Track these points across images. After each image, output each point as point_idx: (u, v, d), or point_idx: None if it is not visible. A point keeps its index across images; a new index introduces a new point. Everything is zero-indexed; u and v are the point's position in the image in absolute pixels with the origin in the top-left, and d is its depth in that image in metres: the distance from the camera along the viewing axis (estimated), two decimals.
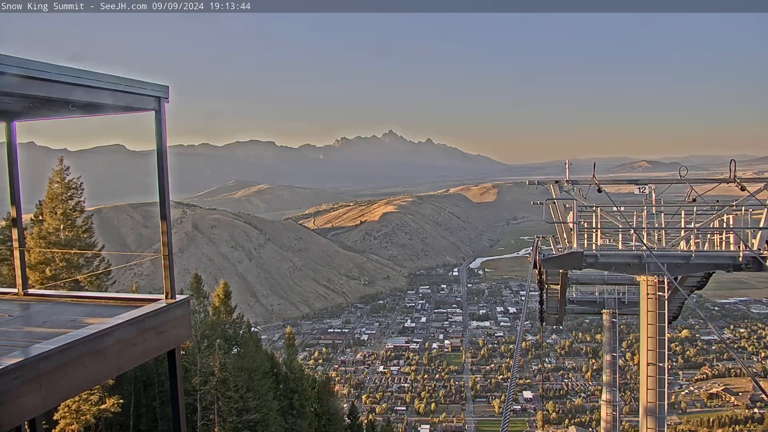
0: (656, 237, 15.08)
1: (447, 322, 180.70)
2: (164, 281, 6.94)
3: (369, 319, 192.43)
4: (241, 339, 25.64)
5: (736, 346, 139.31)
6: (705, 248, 14.65)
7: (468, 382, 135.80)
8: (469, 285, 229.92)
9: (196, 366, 21.47)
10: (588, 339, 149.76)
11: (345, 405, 46.64)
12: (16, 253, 7.87)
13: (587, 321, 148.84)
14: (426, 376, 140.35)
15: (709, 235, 14.92)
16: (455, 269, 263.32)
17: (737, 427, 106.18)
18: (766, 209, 13.18)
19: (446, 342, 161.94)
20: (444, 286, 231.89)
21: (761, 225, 13.30)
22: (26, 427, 6.58)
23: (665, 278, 13.91)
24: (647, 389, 14.24)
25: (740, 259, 13.29)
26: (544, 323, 23.11)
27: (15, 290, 7.80)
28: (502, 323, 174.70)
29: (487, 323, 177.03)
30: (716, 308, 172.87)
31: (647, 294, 14.32)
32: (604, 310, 21.68)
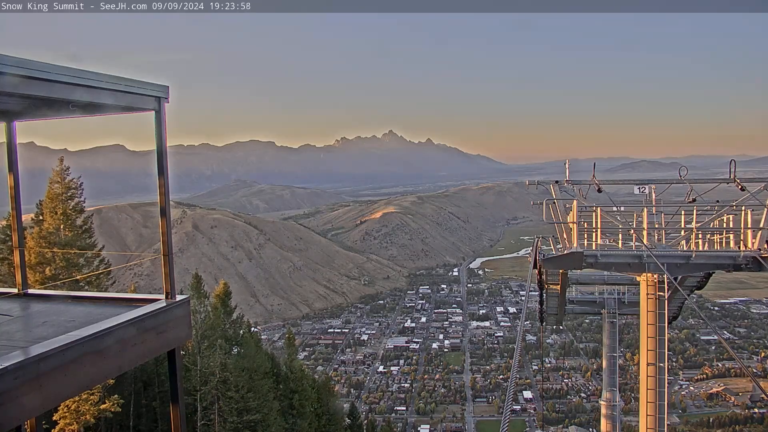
0: (656, 237, 15.07)
1: (447, 322, 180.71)
2: (164, 281, 6.93)
3: (369, 319, 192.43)
4: (242, 339, 25.68)
5: (736, 346, 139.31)
6: (705, 248, 14.65)
7: (468, 382, 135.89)
8: (469, 285, 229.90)
9: (197, 366, 21.47)
10: (588, 339, 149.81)
11: (345, 405, 46.64)
12: (16, 253, 7.87)
13: (587, 321, 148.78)
14: (426, 376, 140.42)
15: (709, 235, 14.92)
16: (455, 269, 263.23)
17: (737, 427, 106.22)
18: (766, 209, 13.18)
19: (446, 342, 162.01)
20: (444, 286, 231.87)
21: (761, 225, 13.30)
22: (26, 427, 6.58)
23: (665, 278, 13.91)
24: (647, 389, 14.24)
25: (740, 259, 13.29)
26: (544, 323, 23.11)
27: (15, 290, 7.79)
28: (502, 323, 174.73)
29: (487, 323, 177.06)
30: (716, 308, 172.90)
31: (647, 294, 14.32)
32: (604, 310, 21.71)
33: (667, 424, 14.52)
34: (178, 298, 7.02)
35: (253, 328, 45.37)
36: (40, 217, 19.87)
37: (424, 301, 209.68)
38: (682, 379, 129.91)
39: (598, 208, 14.55)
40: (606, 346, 22.27)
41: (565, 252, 14.18)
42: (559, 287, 18.78)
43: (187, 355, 21.46)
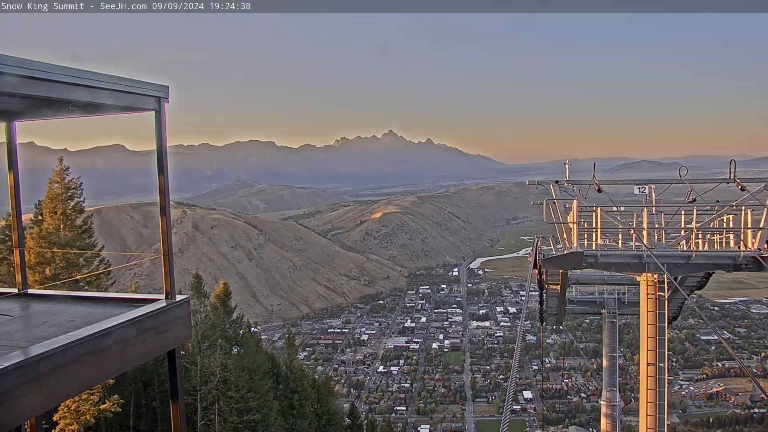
0: (656, 237, 15.07)
1: (447, 322, 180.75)
2: (164, 281, 6.93)
3: (369, 319, 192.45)
4: (242, 339, 25.67)
5: (736, 346, 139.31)
6: (705, 248, 14.64)
7: (468, 382, 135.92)
8: (469, 285, 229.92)
9: (197, 366, 21.46)
10: (588, 339, 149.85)
11: (345, 405, 46.65)
12: (16, 253, 7.86)
13: (587, 321, 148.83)
14: (426, 376, 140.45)
15: (709, 235, 14.92)
16: (455, 269, 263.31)
17: (737, 427, 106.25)
18: (766, 209, 13.18)
19: (446, 342, 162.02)
20: (444, 286, 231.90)
21: (761, 225, 13.29)
22: (26, 427, 6.58)
23: (665, 278, 13.91)
24: (647, 389, 14.24)
25: (740, 259, 13.29)
26: (544, 323, 23.11)
27: (15, 290, 7.79)
28: (502, 323, 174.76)
29: (487, 323, 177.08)
30: (716, 308, 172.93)
31: (647, 294, 14.32)
32: (604, 310, 21.72)
33: (667, 424, 14.51)
34: (178, 298, 7.01)
35: (253, 328, 45.40)
36: (40, 217, 19.87)
37: (424, 301, 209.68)
38: (682, 379, 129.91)
39: (598, 208, 14.55)
40: (606, 346, 22.27)
41: (565, 252, 14.17)
42: (559, 287, 18.78)
43: (187, 355, 21.45)
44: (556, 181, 15.58)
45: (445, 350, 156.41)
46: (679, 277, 15.44)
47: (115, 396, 17.04)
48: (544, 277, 17.89)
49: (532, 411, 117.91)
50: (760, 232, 13.34)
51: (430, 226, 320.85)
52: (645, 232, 14.28)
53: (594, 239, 14.77)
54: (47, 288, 16.63)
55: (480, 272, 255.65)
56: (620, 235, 15.46)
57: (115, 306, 7.12)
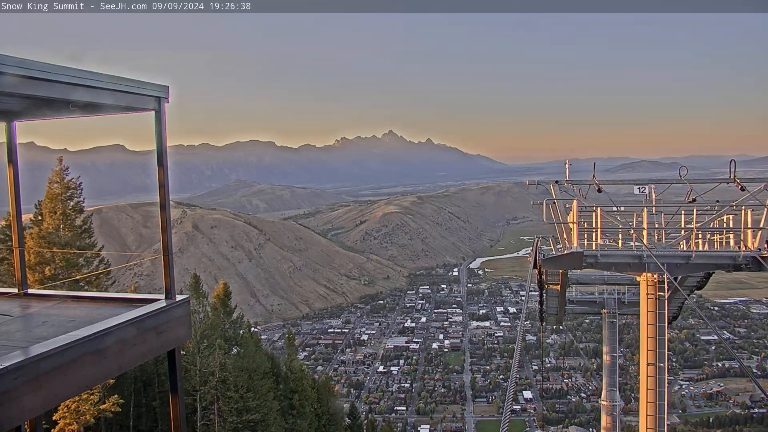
0: (656, 237, 15.06)
1: (447, 322, 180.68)
2: (164, 281, 6.92)
3: (369, 319, 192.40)
4: (241, 339, 25.65)
5: (736, 346, 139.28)
6: (705, 248, 14.64)
7: (468, 382, 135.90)
8: (469, 285, 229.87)
9: (196, 366, 21.46)
10: (588, 339, 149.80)
11: (345, 405, 46.62)
12: (16, 253, 7.86)
13: (587, 321, 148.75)
14: (426, 376, 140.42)
15: (709, 235, 14.91)
16: (455, 269, 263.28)
17: (737, 427, 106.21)
18: (766, 209, 13.18)
19: (446, 342, 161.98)
20: (444, 286, 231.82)
21: (761, 225, 13.29)
22: (26, 427, 6.58)
23: (665, 278, 13.90)
24: (647, 389, 14.23)
25: (740, 259, 13.28)
26: (544, 323, 23.10)
27: (15, 290, 7.78)
28: (502, 323, 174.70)
29: (487, 323, 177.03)
30: (716, 308, 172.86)
31: (647, 294, 14.31)
32: (604, 310, 21.72)
33: (667, 424, 14.51)
34: (178, 298, 7.00)
35: (253, 328, 45.41)
36: (40, 217, 19.85)
37: (424, 301, 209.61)
38: (682, 379, 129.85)
39: (598, 208, 14.54)
40: (606, 346, 22.28)
41: (565, 252, 14.16)
42: (559, 287, 18.78)
43: (187, 355, 21.45)
44: (556, 181, 15.57)
45: (445, 350, 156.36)
46: (679, 277, 15.43)
47: (115, 396, 17.03)
48: (544, 277, 17.88)
49: (532, 411, 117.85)
50: (760, 232, 13.33)
51: (430, 226, 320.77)
52: (645, 232, 14.27)
53: (594, 239, 14.75)
54: (47, 288, 16.61)
55: (480, 272, 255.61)
56: (620, 235, 15.45)
57: (115, 306, 7.11)
